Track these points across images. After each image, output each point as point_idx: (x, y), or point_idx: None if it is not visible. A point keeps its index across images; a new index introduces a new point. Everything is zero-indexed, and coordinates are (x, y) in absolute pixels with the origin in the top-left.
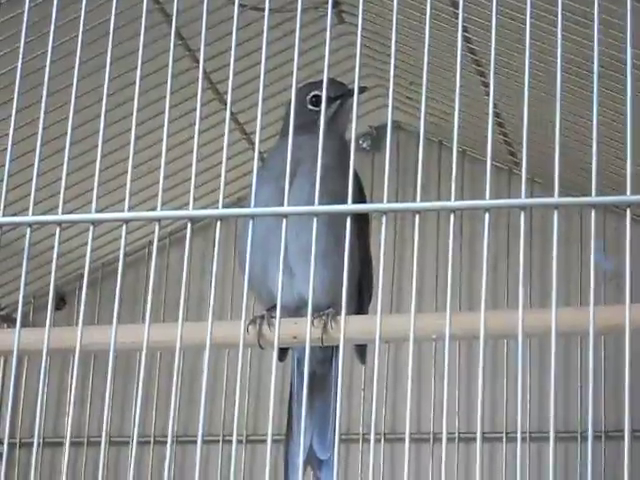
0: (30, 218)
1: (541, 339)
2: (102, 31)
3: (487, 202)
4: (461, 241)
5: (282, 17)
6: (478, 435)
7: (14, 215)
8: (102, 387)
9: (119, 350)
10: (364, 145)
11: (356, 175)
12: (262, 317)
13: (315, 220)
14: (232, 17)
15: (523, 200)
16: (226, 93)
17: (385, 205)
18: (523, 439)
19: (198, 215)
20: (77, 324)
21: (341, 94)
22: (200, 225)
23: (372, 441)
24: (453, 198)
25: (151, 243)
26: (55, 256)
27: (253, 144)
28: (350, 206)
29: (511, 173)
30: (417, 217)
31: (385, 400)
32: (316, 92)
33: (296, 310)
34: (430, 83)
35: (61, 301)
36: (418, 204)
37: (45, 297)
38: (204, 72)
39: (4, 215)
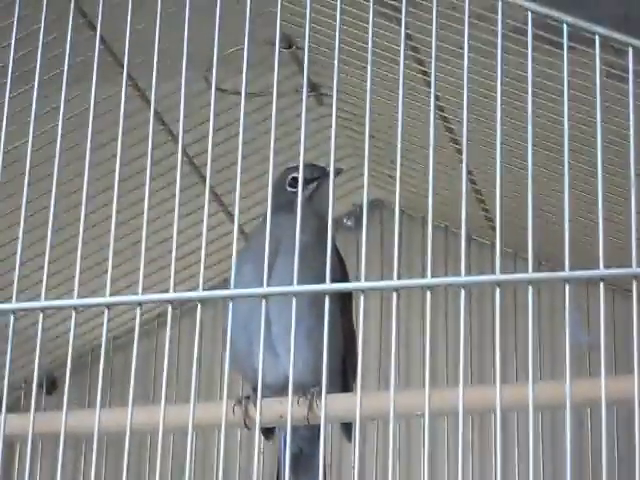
0: (13, 305)
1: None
2: (82, 118)
3: (463, 279)
4: (446, 318)
5: (265, 100)
6: None
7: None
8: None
9: (108, 433)
10: (348, 223)
11: (337, 252)
12: (248, 397)
13: (295, 300)
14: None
15: (497, 277)
16: (207, 175)
17: (363, 284)
18: None
19: (178, 298)
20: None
21: (318, 176)
22: (189, 306)
23: None
24: (429, 274)
25: (126, 334)
26: (39, 342)
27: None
28: (329, 286)
29: (493, 248)
30: (395, 295)
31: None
32: (294, 174)
33: (282, 389)
34: (409, 161)
35: (52, 385)
36: (397, 282)
37: (32, 384)
38: (184, 152)
39: None
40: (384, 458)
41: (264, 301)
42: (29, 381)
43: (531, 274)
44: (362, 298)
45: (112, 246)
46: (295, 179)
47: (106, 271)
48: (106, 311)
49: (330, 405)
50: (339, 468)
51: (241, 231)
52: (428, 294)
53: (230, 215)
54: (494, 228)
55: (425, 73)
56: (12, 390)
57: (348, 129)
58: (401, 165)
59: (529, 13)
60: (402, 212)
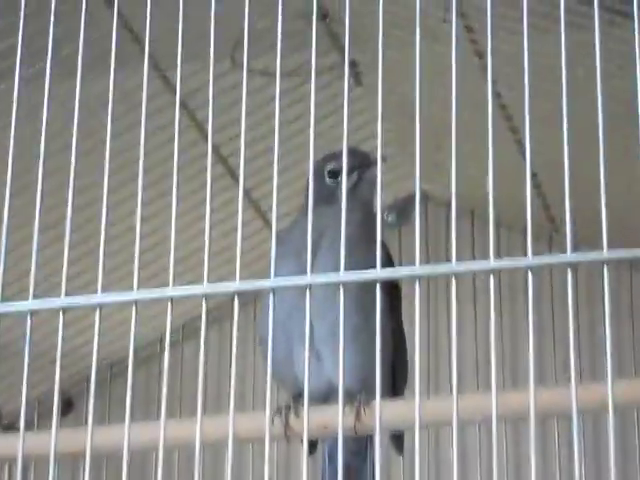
0: (30, 303)
1: (595, 415)
2: (101, 102)
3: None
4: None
5: (291, 82)
6: None
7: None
8: None
9: (133, 451)
10: (389, 219)
11: (384, 245)
12: (288, 407)
13: (342, 291)
14: (237, 84)
15: (529, 261)
16: (237, 167)
17: (418, 269)
18: None
19: (214, 292)
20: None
21: (359, 164)
22: (214, 315)
23: None
24: (492, 259)
25: (162, 340)
26: (60, 340)
27: (267, 222)
28: (379, 272)
29: (550, 240)
30: (454, 280)
31: None
32: (331, 165)
33: (325, 397)
34: (459, 147)
35: (68, 406)
36: (454, 266)
37: (50, 401)
38: (213, 147)
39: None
40: (437, 471)
41: (308, 292)
42: (42, 401)
43: (569, 256)
44: (417, 285)
45: (138, 242)
46: (333, 170)
47: (130, 273)
48: (134, 307)
49: (382, 413)
50: None
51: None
52: (491, 278)
53: (260, 212)
54: (551, 217)
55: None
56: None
57: (387, 112)
58: (445, 153)
59: None
60: (449, 205)
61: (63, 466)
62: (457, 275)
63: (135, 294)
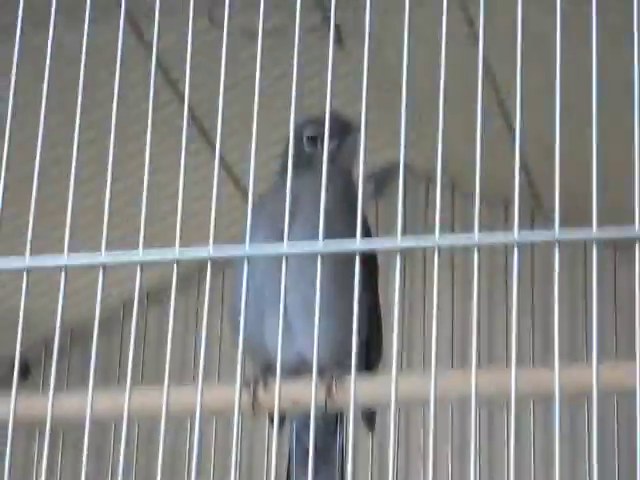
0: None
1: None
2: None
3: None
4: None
5: (273, 42)
6: None
7: None
8: (73, 465)
9: (95, 420)
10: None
11: (364, 216)
12: (257, 380)
13: (319, 262)
14: (215, 43)
15: (515, 236)
16: (211, 130)
17: (399, 242)
18: None
19: (186, 258)
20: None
21: (340, 131)
22: (179, 285)
23: None
24: (476, 233)
25: (125, 305)
26: (23, 303)
27: (241, 188)
28: (360, 244)
29: (533, 217)
30: (436, 254)
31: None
32: (310, 131)
33: (295, 371)
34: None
35: (24, 371)
36: (437, 240)
37: (5, 367)
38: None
39: None
40: (406, 450)
41: (284, 262)
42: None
43: (557, 232)
44: (398, 259)
45: (108, 199)
46: (312, 137)
47: (101, 228)
48: (100, 271)
49: (354, 388)
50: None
51: (244, 192)
52: (475, 253)
53: (233, 177)
54: (535, 194)
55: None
56: None
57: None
58: (430, 123)
59: None
60: (428, 177)
61: (17, 434)
62: (440, 249)
63: (104, 257)
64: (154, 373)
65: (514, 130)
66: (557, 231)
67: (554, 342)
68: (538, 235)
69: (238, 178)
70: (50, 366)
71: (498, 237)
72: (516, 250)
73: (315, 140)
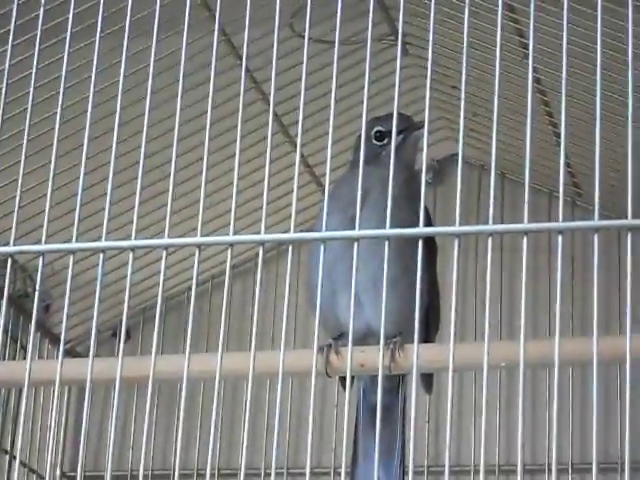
0: (103, 244)
1: (583, 368)
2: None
3: (524, 226)
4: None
5: (343, 50)
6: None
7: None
8: (167, 420)
9: (188, 380)
10: (426, 179)
11: (426, 208)
12: (329, 345)
13: (387, 244)
14: (295, 50)
15: (559, 224)
16: (291, 126)
17: (457, 228)
18: (565, 470)
19: (270, 239)
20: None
21: (404, 128)
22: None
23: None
24: (526, 220)
25: (213, 278)
26: (129, 280)
27: (315, 177)
28: (422, 229)
29: (574, 205)
30: (490, 240)
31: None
32: (378, 127)
33: (363, 339)
34: (490, 113)
35: (125, 335)
36: (492, 226)
37: (107, 332)
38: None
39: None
40: (459, 410)
41: (356, 245)
42: (100, 330)
43: (597, 222)
44: (456, 243)
45: (204, 187)
46: (380, 132)
47: (197, 213)
48: (197, 252)
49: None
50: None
51: (319, 184)
52: (490, 240)
53: (308, 168)
54: (576, 183)
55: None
56: (84, 340)
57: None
58: (484, 119)
59: None
60: (481, 167)
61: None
62: (493, 235)
63: (199, 238)
64: (237, 340)
65: (558, 126)
66: (596, 220)
67: (592, 315)
68: (579, 223)
69: (313, 169)
70: (148, 331)
71: (544, 225)
72: (560, 238)
73: (382, 136)
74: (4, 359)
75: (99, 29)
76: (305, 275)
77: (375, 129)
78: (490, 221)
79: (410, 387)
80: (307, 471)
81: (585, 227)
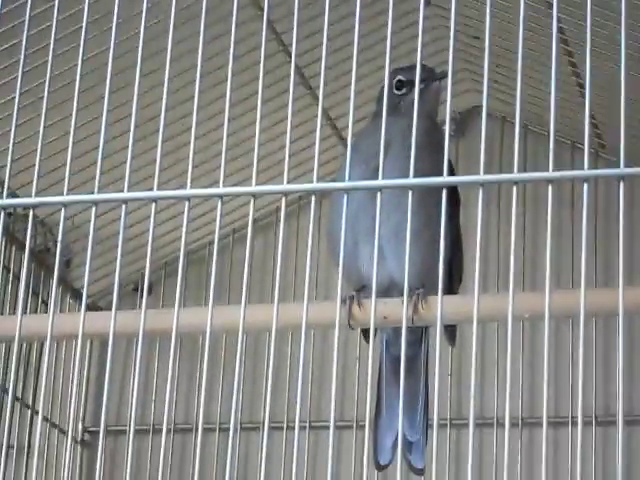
0: (126, 195)
1: (606, 320)
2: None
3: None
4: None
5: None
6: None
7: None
8: (189, 372)
9: (219, 331)
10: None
11: (449, 159)
12: (352, 297)
13: (411, 194)
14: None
15: (550, 173)
16: (312, 78)
17: (481, 177)
18: (588, 423)
19: (294, 189)
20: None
21: (425, 77)
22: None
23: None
24: (550, 169)
25: (235, 231)
26: (151, 232)
27: (336, 129)
28: (446, 178)
29: (597, 156)
30: (515, 189)
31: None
32: (399, 77)
33: (385, 291)
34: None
35: (148, 288)
36: (516, 175)
37: (128, 286)
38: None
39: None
40: (482, 362)
41: (379, 195)
42: (121, 284)
43: (622, 169)
44: (480, 192)
45: (225, 140)
46: (400, 82)
47: (219, 166)
48: (219, 203)
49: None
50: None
51: (340, 137)
52: (514, 189)
53: (329, 119)
54: (598, 134)
55: None
56: (105, 295)
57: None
58: (507, 70)
59: None
60: (504, 118)
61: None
62: (518, 183)
63: (221, 189)
64: (258, 293)
65: (581, 76)
66: (622, 168)
67: (615, 267)
68: (605, 171)
69: (334, 121)
70: (169, 285)
71: (570, 173)
72: (585, 186)
73: (403, 85)
74: (25, 314)
75: None
76: (326, 228)
77: (396, 78)
78: (515, 169)
79: (433, 339)
80: (331, 424)
81: (610, 175)
